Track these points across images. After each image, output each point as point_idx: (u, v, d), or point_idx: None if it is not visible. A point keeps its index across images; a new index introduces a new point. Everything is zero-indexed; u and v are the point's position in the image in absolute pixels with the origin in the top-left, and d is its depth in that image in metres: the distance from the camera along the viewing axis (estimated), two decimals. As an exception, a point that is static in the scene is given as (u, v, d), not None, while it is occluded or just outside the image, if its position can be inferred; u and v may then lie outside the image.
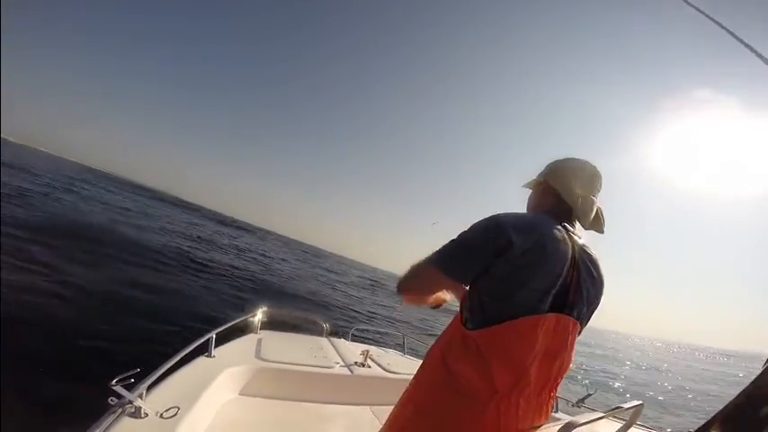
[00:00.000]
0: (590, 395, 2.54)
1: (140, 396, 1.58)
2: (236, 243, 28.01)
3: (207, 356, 2.45)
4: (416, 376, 1.27)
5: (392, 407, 1.30)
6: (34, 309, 5.46)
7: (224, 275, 13.24)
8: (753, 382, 0.72)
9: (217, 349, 2.54)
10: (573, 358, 1.22)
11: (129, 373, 1.54)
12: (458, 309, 1.26)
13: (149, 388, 1.69)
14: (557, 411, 2.43)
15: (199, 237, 23.43)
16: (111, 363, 4.50)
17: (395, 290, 1.28)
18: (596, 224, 1.28)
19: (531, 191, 1.40)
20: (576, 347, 1.23)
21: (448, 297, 1.46)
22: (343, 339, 3.88)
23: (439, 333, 1.29)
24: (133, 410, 1.54)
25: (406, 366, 3.18)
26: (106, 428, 1.41)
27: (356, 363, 3.01)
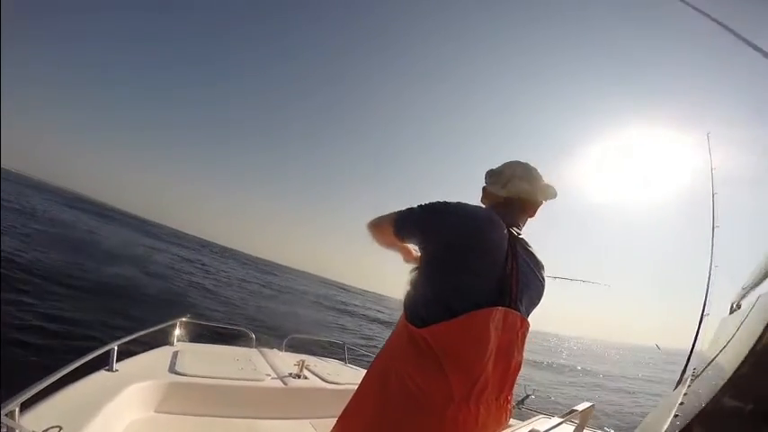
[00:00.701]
0: (528, 396, 2.59)
1: (10, 415, 1.30)
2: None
3: (107, 370, 2.15)
4: (362, 385, 1.16)
5: (335, 419, 1.17)
6: None
7: (126, 286, 11.96)
8: (730, 380, 0.71)
9: (121, 363, 2.26)
10: (523, 358, 1.18)
11: None
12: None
13: (25, 406, 1.41)
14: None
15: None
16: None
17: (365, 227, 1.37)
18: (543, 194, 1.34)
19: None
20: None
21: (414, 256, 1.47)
22: (275, 350, 3.65)
23: (385, 341, 1.20)
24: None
25: (349, 376, 3.05)
26: None
27: (291, 374, 2.82)
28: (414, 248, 1.45)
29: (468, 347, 1.02)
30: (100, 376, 2.05)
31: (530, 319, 1.19)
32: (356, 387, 1.18)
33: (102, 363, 2.12)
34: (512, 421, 2.33)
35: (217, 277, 23.80)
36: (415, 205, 1.24)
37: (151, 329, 2.76)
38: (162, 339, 2.99)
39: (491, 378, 1.06)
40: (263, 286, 28.54)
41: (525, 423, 1.10)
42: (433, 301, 1.07)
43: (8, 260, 9.67)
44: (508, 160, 1.38)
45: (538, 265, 1.22)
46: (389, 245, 1.42)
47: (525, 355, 1.20)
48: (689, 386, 1.20)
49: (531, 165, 1.34)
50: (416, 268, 1.21)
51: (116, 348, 2.19)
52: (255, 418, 2.41)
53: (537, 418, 1.35)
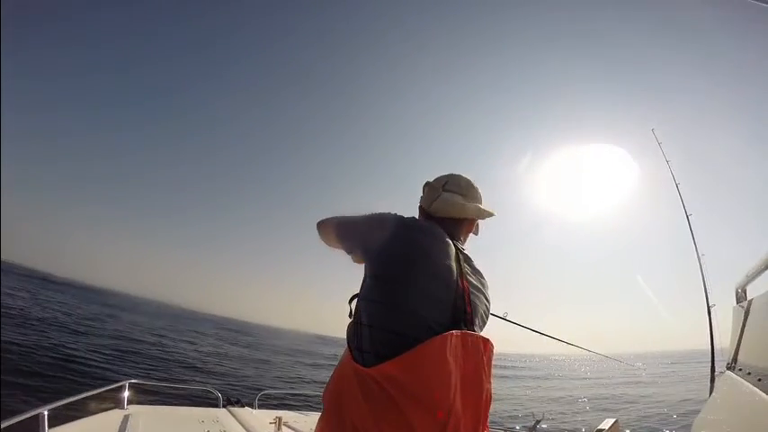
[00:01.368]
0: (539, 422, 2.42)
1: None
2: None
3: None
4: None
5: None
6: None
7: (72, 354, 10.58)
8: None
9: (56, 429, 2.02)
10: (491, 384, 1.02)
11: None
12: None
13: None
14: None
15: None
16: None
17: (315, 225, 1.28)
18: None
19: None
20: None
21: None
22: (248, 408, 3.27)
23: (331, 378, 1.01)
24: None
25: None
26: None
27: None
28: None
29: (428, 384, 0.85)
30: None
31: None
32: None
33: (32, 429, 1.87)
34: None
35: (174, 337, 22.09)
36: (360, 213, 1.15)
37: (88, 393, 2.40)
38: (109, 406, 2.69)
39: (462, 416, 0.88)
40: (232, 344, 26.91)
41: None
42: (379, 330, 0.92)
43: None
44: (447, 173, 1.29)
45: (484, 285, 1.12)
46: (334, 246, 1.28)
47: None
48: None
49: (466, 178, 1.26)
50: (356, 296, 1.08)
51: (46, 414, 1.90)
52: None
53: None
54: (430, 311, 0.94)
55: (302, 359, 25.79)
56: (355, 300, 1.10)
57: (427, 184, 1.28)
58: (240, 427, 2.70)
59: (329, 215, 1.27)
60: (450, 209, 1.19)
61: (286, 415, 3.07)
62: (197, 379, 10.61)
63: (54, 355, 9.88)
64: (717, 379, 1.51)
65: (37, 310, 18.79)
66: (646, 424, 11.27)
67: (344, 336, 1.03)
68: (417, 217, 1.28)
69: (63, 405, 2.11)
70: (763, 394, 1.08)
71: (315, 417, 3.27)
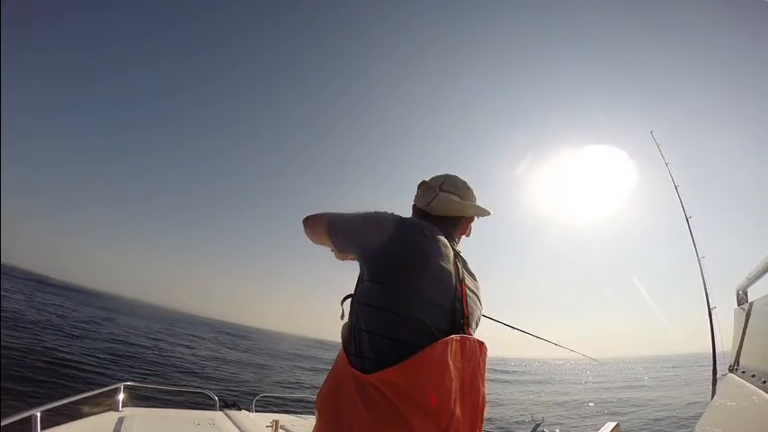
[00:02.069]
0: (539, 425, 2.40)
1: None
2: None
3: None
4: None
5: None
6: None
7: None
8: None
9: (48, 431, 1.99)
10: (485, 388, 1.01)
11: None
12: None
13: None
14: None
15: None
16: None
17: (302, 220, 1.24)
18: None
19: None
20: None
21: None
22: (245, 411, 3.23)
23: (324, 383, 0.98)
24: None
25: None
26: None
27: None
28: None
29: (430, 391, 0.85)
30: None
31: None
32: None
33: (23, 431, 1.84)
34: None
35: (171, 341, 21.96)
36: (355, 211, 1.11)
37: (82, 396, 2.39)
38: (104, 409, 2.65)
39: (462, 421, 0.89)
40: (230, 348, 26.77)
41: None
42: (380, 337, 0.90)
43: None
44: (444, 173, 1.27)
45: (478, 288, 1.11)
46: (321, 243, 1.26)
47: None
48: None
49: (462, 179, 1.25)
50: (351, 296, 1.06)
51: (39, 415, 1.89)
52: None
53: None
54: (431, 317, 0.92)
55: (301, 363, 25.66)
56: (348, 300, 1.07)
57: (423, 182, 1.25)
58: (236, 430, 2.66)
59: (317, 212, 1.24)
60: (449, 207, 1.17)
61: (283, 418, 3.03)
62: (194, 383, 10.51)
63: (46, 359, 9.75)
64: (719, 381, 1.49)
65: (32, 312, 18.64)
66: (657, 428, 11.23)
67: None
68: (411, 216, 1.26)
69: (56, 407, 2.09)
70: None
71: (312, 420, 3.21)
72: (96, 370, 9.88)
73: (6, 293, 23.09)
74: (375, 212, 1.09)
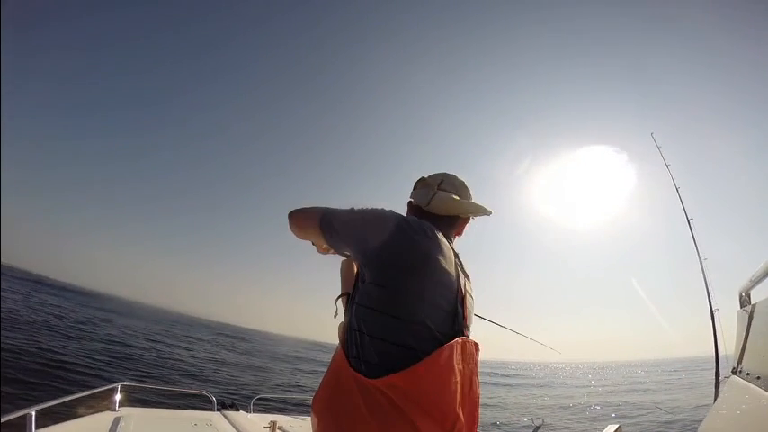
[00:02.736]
0: (539, 428, 2.38)
1: None
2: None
3: None
4: None
5: None
6: None
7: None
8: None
9: (43, 430, 1.99)
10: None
11: None
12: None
13: None
14: None
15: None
16: None
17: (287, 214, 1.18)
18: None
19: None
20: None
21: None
22: (242, 412, 3.21)
23: (321, 387, 0.99)
24: None
25: None
26: None
27: None
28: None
29: (438, 394, 0.86)
30: None
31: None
32: None
33: (18, 430, 1.82)
34: None
35: (169, 342, 21.89)
36: (349, 208, 1.06)
37: (79, 395, 2.38)
38: (100, 409, 2.63)
39: (464, 421, 0.91)
40: (229, 350, 26.68)
41: None
42: (384, 341, 0.88)
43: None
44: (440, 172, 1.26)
45: (471, 288, 1.09)
46: (307, 239, 1.23)
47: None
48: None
49: (460, 179, 1.24)
50: (348, 294, 1.03)
51: (34, 414, 1.87)
52: None
53: None
54: (435, 322, 0.91)
55: (301, 366, 25.55)
56: (341, 298, 1.06)
57: (421, 179, 1.23)
58: (234, 430, 2.64)
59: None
60: (449, 206, 1.15)
61: (281, 419, 3.00)
62: (193, 385, 10.46)
63: (41, 360, 9.60)
64: (721, 384, 1.48)
65: (28, 312, 18.48)
66: (671, 430, 11.17)
67: None
68: (407, 213, 1.23)
69: (52, 407, 2.07)
70: None
71: (309, 421, 3.21)
72: (92, 372, 9.80)
73: (4, 294, 23.01)
74: (373, 210, 1.05)
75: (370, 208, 1.05)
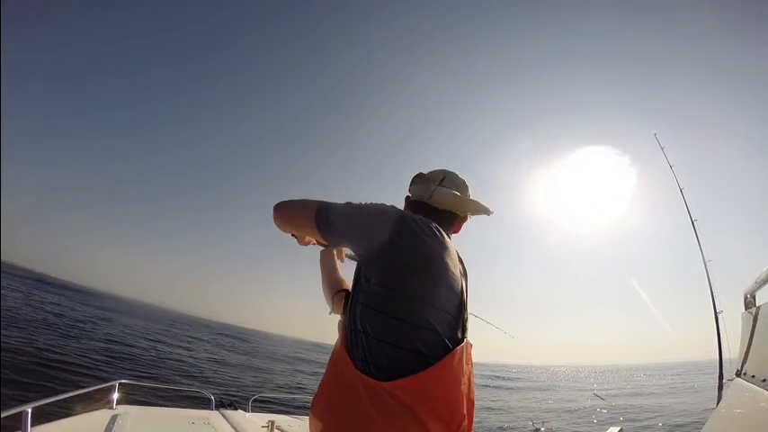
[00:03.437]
0: (539, 429, 2.36)
1: None
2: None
3: None
4: None
5: None
6: None
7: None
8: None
9: (39, 427, 1.97)
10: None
11: None
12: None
13: None
14: None
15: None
16: None
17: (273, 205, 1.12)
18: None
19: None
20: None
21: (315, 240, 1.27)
22: (241, 411, 3.20)
23: (320, 389, 0.97)
24: None
25: None
26: None
27: None
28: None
29: (448, 396, 0.87)
30: None
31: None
32: None
33: (14, 427, 1.80)
34: None
35: (169, 342, 21.87)
36: (345, 202, 1.01)
37: (76, 392, 2.38)
38: (98, 407, 2.64)
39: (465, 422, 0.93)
40: (228, 350, 26.66)
41: None
42: (392, 345, 0.85)
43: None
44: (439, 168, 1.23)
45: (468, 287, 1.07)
46: (292, 231, 1.19)
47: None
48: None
49: (461, 178, 1.20)
50: (347, 292, 1.01)
51: (30, 411, 1.86)
52: None
53: None
54: (443, 326, 0.89)
55: (301, 367, 25.52)
56: (337, 295, 1.05)
57: (420, 174, 1.18)
58: (232, 429, 2.62)
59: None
60: (451, 202, 1.12)
61: (279, 419, 2.99)
62: (192, 385, 10.45)
63: (38, 359, 9.49)
64: (725, 387, 1.46)
65: (27, 311, 18.46)
66: None
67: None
68: (404, 209, 1.17)
69: (49, 404, 2.06)
70: None
71: (308, 421, 3.19)
72: (90, 372, 9.76)
73: (4, 292, 23.03)
74: (373, 204, 1.00)
75: (368, 202, 1.01)
